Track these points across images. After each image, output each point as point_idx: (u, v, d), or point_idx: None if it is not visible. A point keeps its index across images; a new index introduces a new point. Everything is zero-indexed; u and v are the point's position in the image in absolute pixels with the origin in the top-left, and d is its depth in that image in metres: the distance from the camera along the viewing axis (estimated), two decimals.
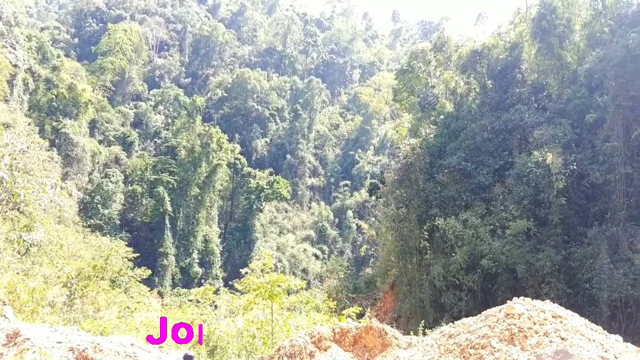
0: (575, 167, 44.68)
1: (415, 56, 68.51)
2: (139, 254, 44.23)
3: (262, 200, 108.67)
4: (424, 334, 14.77)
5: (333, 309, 25.92)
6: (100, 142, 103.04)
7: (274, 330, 15.92)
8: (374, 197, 72.85)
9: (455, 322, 11.21)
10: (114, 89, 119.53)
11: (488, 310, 10.62)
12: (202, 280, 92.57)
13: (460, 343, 9.79)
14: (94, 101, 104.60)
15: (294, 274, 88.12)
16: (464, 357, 9.41)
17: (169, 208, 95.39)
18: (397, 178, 56.51)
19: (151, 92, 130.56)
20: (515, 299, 10.54)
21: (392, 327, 12.44)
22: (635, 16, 48.37)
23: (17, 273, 24.09)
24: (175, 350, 13.97)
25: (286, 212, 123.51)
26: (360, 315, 20.29)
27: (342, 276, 68.45)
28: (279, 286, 16.18)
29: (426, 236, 52.01)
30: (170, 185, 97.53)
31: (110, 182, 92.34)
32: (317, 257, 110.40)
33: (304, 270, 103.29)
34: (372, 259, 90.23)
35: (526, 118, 51.45)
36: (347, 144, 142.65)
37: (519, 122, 51.76)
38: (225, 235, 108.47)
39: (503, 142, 53.83)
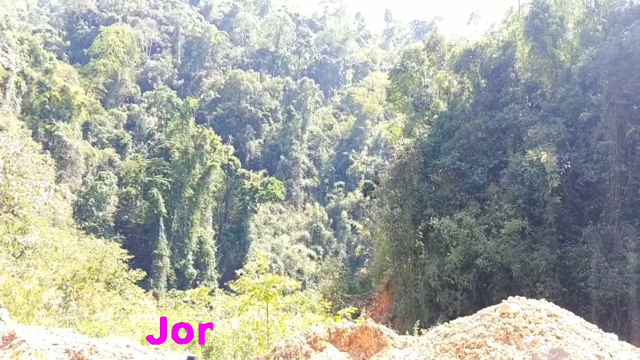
0: (569, 165, 44.73)
1: (408, 56, 68.58)
2: (133, 256, 44.24)
3: (256, 201, 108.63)
4: (420, 333, 14.81)
5: (328, 310, 25.89)
6: (93, 144, 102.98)
7: (269, 330, 15.90)
8: (368, 198, 72.85)
9: (450, 321, 11.20)
10: (106, 91, 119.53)
11: (483, 309, 10.61)
12: (197, 282, 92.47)
13: (455, 342, 9.79)
14: (87, 104, 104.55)
15: (289, 274, 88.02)
16: (459, 356, 9.41)
17: (163, 210, 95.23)
18: (391, 178, 56.53)
19: (144, 94, 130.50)
20: (510, 298, 10.53)
21: (387, 327, 12.43)
22: (628, 14, 48.45)
23: (12, 276, 24.01)
24: (171, 352, 13.94)
25: (280, 213, 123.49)
26: (355, 316, 20.30)
27: (337, 276, 68.49)
28: (274, 287, 16.15)
29: (421, 236, 52.01)
30: (164, 187, 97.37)
31: (104, 184, 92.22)
32: (312, 257, 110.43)
33: (299, 271, 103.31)
34: (367, 259, 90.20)
35: (520, 117, 51.51)
36: (340, 145, 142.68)
37: (512, 121, 51.82)
38: (219, 236, 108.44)
39: (497, 141, 53.89)
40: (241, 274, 17.14)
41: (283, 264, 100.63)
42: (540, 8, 53.14)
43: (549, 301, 10.54)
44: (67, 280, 27.12)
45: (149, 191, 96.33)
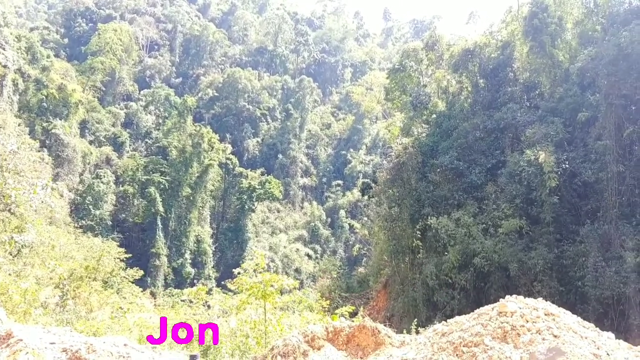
0: (567, 165, 44.80)
1: (407, 55, 68.54)
2: (131, 255, 43.99)
3: (254, 200, 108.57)
4: (417, 332, 14.78)
5: (326, 309, 25.88)
6: (91, 142, 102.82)
7: (267, 329, 15.89)
8: (366, 197, 72.92)
9: (448, 320, 11.20)
10: (104, 89, 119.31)
11: (481, 308, 10.61)
12: (195, 281, 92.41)
13: (453, 341, 9.80)
14: (85, 101, 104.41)
15: (286, 273, 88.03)
16: (457, 355, 9.42)
17: (161, 208, 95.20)
18: (389, 177, 56.55)
19: (142, 92, 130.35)
20: (507, 297, 10.54)
21: (385, 325, 12.43)
22: (627, 14, 48.50)
23: (9, 274, 23.98)
24: (168, 351, 13.93)
25: (278, 212, 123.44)
26: (353, 315, 20.31)
27: (335, 276, 68.59)
28: (271, 286, 16.14)
29: (419, 235, 52.11)
30: (162, 186, 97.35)
31: (102, 182, 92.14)
32: (309, 256, 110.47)
33: (297, 270, 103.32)
34: (364, 259, 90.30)
35: (518, 117, 51.54)
36: (339, 144, 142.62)
37: (511, 120, 51.83)
38: (217, 235, 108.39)
39: (495, 141, 53.90)
40: (239, 273, 17.12)
41: (281, 263, 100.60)
42: (539, 8, 53.16)
43: (546, 300, 10.55)
44: (64, 279, 27.06)
45: (146, 190, 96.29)
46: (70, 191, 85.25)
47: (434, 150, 56.11)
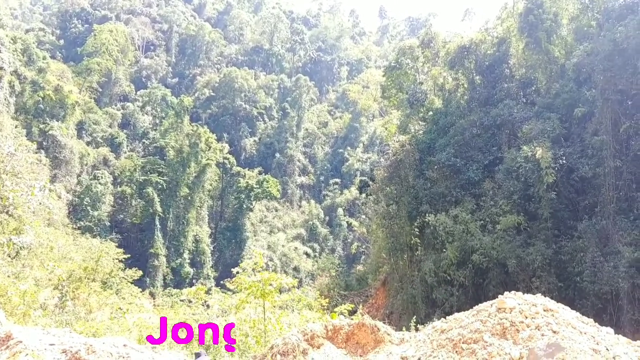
0: (564, 161, 44.85)
1: (403, 53, 68.63)
2: (129, 255, 44.04)
3: (252, 199, 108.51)
4: (416, 329, 14.79)
5: (325, 307, 25.90)
6: (88, 143, 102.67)
7: (266, 328, 15.90)
8: (364, 195, 72.94)
9: (447, 317, 11.22)
10: (100, 90, 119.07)
11: (480, 305, 10.63)
12: (194, 281, 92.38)
13: (452, 338, 9.82)
14: (81, 103, 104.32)
15: (285, 272, 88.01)
16: (456, 351, 9.43)
17: (159, 209, 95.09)
18: (386, 175, 56.54)
19: (138, 92, 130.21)
20: (506, 293, 10.56)
21: (384, 323, 12.45)
22: (622, 9, 48.51)
23: (8, 276, 23.97)
24: (168, 351, 13.94)
25: (276, 211, 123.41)
26: (352, 313, 20.28)
27: (334, 274, 68.65)
28: (270, 285, 16.13)
29: (417, 232, 52.13)
30: (160, 186, 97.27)
31: (99, 183, 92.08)
32: (308, 255, 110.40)
33: (296, 269, 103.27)
34: (363, 256, 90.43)
35: (515, 113, 51.56)
36: (336, 142, 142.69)
37: (507, 117, 51.85)
38: (215, 235, 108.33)
39: (492, 137, 53.91)
40: (237, 272, 17.12)
41: (279, 261, 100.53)
42: (535, 4, 53.17)
43: (545, 296, 10.57)
44: (63, 280, 27.03)
45: (144, 190, 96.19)
46: (68, 192, 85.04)
47: (431, 148, 56.13)
